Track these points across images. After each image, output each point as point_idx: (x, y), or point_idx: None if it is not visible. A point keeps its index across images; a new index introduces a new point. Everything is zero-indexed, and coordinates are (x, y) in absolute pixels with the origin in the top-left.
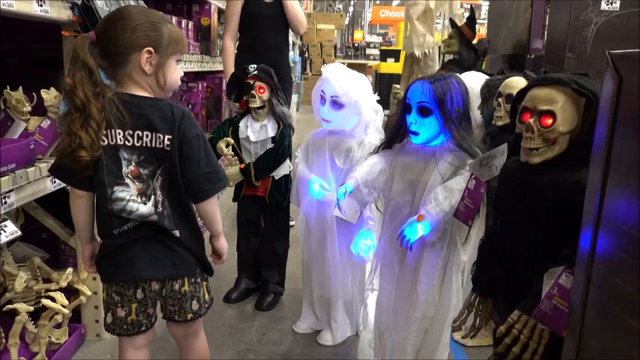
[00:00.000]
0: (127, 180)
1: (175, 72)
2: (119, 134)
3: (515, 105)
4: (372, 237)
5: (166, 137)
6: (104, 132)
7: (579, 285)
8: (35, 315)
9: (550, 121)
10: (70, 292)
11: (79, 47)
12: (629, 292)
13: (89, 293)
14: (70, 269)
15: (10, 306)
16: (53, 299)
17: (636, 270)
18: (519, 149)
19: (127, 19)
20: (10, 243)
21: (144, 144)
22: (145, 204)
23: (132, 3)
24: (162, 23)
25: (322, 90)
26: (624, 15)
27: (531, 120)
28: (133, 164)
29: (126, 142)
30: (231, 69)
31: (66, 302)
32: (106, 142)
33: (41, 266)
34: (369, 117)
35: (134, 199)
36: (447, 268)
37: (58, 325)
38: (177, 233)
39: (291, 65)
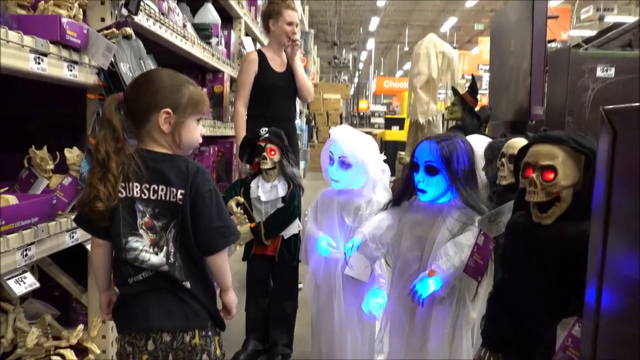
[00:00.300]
0: (141, 231)
1: (194, 132)
2: (136, 187)
3: (518, 162)
4: (384, 295)
5: (179, 191)
6: (122, 184)
7: (587, 335)
8: None
9: (552, 175)
10: (79, 351)
11: (106, 106)
12: (635, 336)
13: (98, 351)
14: (81, 326)
15: None
16: (63, 357)
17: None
18: (524, 203)
19: (151, 82)
20: (23, 300)
21: (159, 197)
22: (157, 254)
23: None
24: (183, 85)
25: (330, 151)
26: (620, 82)
27: (534, 175)
28: (147, 215)
29: (142, 195)
30: (243, 133)
31: (75, 359)
32: (124, 194)
33: (52, 324)
34: (376, 176)
35: (147, 250)
36: (457, 325)
37: None
38: (187, 284)
39: (298, 132)
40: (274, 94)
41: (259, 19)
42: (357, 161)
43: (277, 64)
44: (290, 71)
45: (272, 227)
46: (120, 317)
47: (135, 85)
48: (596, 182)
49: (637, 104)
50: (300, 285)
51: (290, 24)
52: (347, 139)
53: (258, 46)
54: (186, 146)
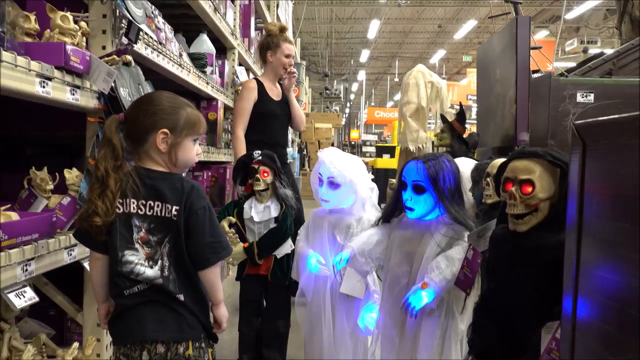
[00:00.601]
0: (137, 245)
1: (190, 152)
2: (133, 203)
3: (498, 177)
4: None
5: (174, 207)
6: (120, 200)
7: (566, 339)
8: None
9: (530, 189)
10: None
11: (107, 126)
12: (611, 335)
13: None
14: (76, 344)
15: None
16: None
17: (614, 312)
18: (506, 216)
19: (150, 104)
20: (18, 319)
21: (154, 213)
22: (151, 267)
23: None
24: (181, 107)
25: (319, 173)
26: (599, 107)
27: (513, 189)
28: (143, 230)
29: (139, 211)
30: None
31: None
32: (121, 209)
33: (47, 343)
34: (365, 195)
35: (142, 263)
36: (446, 337)
37: None
38: (181, 297)
39: (290, 160)
40: (272, 122)
41: (252, 50)
42: (345, 181)
43: (275, 93)
44: (285, 100)
45: (265, 247)
46: (116, 330)
47: (135, 106)
48: (569, 193)
49: (604, 117)
50: None
51: (287, 56)
52: (334, 160)
53: (251, 76)
54: (182, 165)
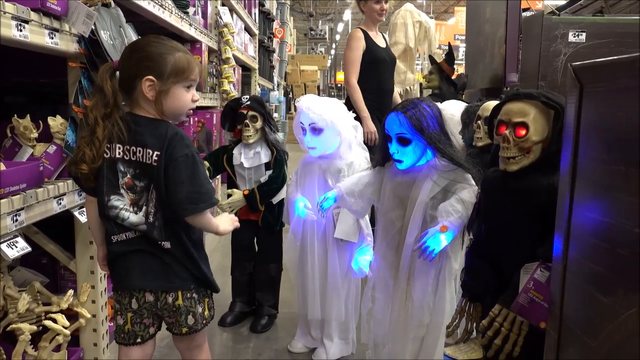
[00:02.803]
0: (122, 191)
1: (179, 100)
2: (119, 148)
3: (492, 120)
4: (372, 253)
5: (155, 153)
6: (107, 145)
7: (556, 279)
8: (33, 341)
9: (524, 132)
10: (69, 317)
11: (100, 73)
12: (600, 272)
13: (89, 316)
14: (71, 291)
15: (14, 326)
16: (54, 321)
17: (605, 253)
18: (498, 160)
19: (135, 50)
20: (11, 268)
21: (137, 159)
22: (136, 213)
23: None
24: (169, 52)
25: (300, 122)
26: (591, 47)
27: (507, 132)
28: (128, 176)
29: (124, 156)
30: (364, 105)
31: (67, 323)
32: (108, 154)
33: (41, 290)
34: (349, 135)
35: (127, 208)
36: (440, 276)
37: (57, 349)
38: (167, 245)
39: (276, 104)
40: (381, 68)
41: None
42: (327, 124)
43: (379, 40)
44: (388, 47)
45: (266, 193)
46: (112, 275)
47: (125, 53)
48: (565, 136)
49: (603, 59)
50: None
51: (378, 2)
52: (312, 106)
53: (235, 16)
54: (169, 113)
